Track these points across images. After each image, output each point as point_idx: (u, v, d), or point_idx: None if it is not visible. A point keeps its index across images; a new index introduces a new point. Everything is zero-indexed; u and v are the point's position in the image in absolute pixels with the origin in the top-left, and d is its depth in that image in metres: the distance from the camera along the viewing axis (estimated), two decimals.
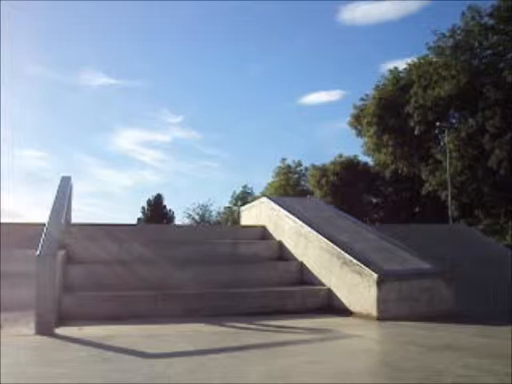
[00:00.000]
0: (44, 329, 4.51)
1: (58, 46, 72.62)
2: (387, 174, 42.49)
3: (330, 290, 6.17)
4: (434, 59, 38.43)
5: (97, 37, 75.54)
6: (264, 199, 9.02)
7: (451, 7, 59.32)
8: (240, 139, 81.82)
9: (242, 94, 79.95)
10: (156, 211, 61.33)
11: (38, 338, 4.40)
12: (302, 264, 6.92)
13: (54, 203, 6.74)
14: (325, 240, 6.47)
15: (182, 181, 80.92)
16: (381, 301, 5.37)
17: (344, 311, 5.78)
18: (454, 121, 39.20)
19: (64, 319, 5.12)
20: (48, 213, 6.32)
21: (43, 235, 5.19)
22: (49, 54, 74.18)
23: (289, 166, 56.43)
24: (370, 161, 46.99)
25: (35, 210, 65.95)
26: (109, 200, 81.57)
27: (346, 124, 45.92)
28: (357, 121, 44.55)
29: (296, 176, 56.82)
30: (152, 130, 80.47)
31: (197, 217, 61.43)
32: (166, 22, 75.26)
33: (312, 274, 6.66)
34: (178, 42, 76.68)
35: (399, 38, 69.90)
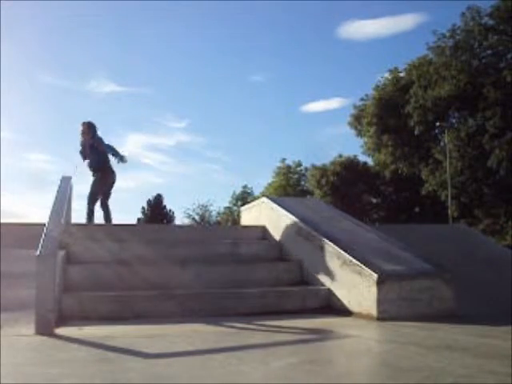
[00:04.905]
0: (44, 329, 4.51)
1: (68, 54, 74.01)
2: (387, 174, 42.54)
3: (329, 290, 6.18)
4: (434, 59, 38.45)
5: (105, 45, 76.79)
6: (264, 199, 9.02)
7: (447, 21, 60.77)
8: (242, 143, 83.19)
9: (244, 101, 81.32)
10: (156, 211, 61.33)
11: (38, 338, 4.40)
12: (301, 264, 6.93)
13: (54, 203, 6.75)
14: (325, 240, 6.47)
15: (185, 183, 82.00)
16: (381, 301, 5.37)
17: (344, 311, 5.79)
18: (453, 121, 39.26)
19: (64, 319, 5.13)
20: (48, 213, 6.32)
21: (43, 235, 5.19)
22: (59, 63, 75.73)
23: (289, 166, 56.41)
24: (369, 161, 47.03)
25: (41, 211, 66.49)
26: (112, 201, 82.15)
27: (346, 124, 45.96)
28: (357, 121, 44.61)
29: (296, 176, 56.79)
30: (156, 135, 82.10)
31: (197, 217, 61.43)
32: (172, 31, 76.36)
33: (312, 274, 6.66)
34: (183, 50, 77.81)
35: (396, 51, 71.32)
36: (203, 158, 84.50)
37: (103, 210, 10.19)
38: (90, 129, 10.30)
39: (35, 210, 70.39)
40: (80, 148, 10.31)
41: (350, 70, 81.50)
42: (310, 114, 79.50)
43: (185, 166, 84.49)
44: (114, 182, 10.33)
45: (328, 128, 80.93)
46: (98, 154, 10.10)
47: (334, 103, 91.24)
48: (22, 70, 79.23)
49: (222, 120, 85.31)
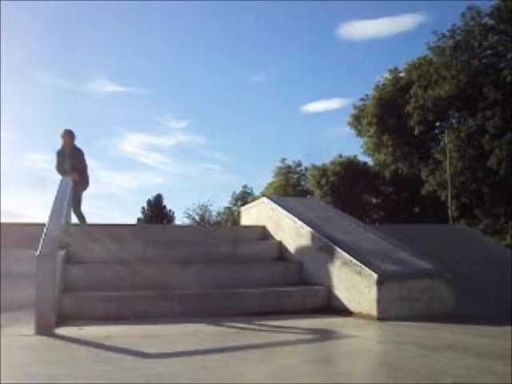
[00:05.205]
0: (44, 329, 4.51)
1: (69, 55, 74.86)
2: (387, 174, 42.54)
3: (329, 290, 6.17)
4: (434, 59, 38.45)
5: (105, 46, 77.34)
6: (264, 199, 9.02)
7: (447, 21, 61.08)
8: (242, 144, 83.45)
9: (244, 101, 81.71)
10: (156, 211, 61.34)
11: (38, 338, 4.41)
12: (301, 264, 6.93)
13: (54, 203, 6.74)
14: (325, 240, 6.47)
15: (185, 183, 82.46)
16: (381, 301, 5.37)
17: (344, 311, 5.79)
18: (453, 121, 39.25)
19: (64, 319, 5.13)
20: (48, 213, 6.32)
21: (43, 235, 5.19)
22: (60, 64, 76.56)
23: (289, 166, 56.40)
24: (369, 161, 47.02)
25: (42, 211, 66.94)
26: (113, 201, 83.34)
27: (346, 124, 45.98)
28: (357, 121, 44.61)
29: (296, 176, 56.79)
30: (157, 135, 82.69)
31: (197, 217, 61.46)
32: (172, 31, 76.85)
33: (312, 274, 6.66)
34: (184, 50, 78.11)
35: (396, 51, 71.79)
36: (203, 158, 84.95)
37: (77, 215, 10.18)
38: (70, 138, 10.30)
39: (35, 209, 70.70)
40: (56, 157, 10.27)
41: (350, 70, 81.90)
42: (310, 115, 79.91)
43: (185, 165, 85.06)
44: (85, 189, 10.43)
45: (328, 128, 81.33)
46: (75, 165, 10.07)
47: (334, 103, 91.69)
48: (23, 70, 79.63)
49: (222, 120, 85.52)
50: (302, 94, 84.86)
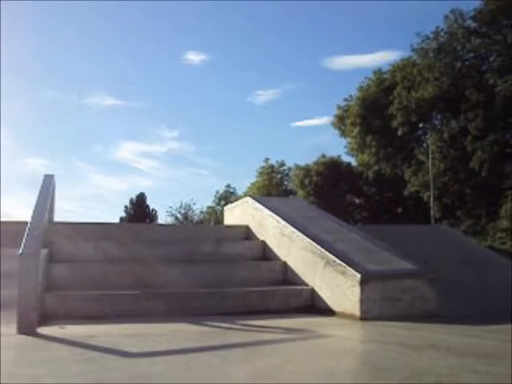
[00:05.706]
0: (26, 328, 4.47)
1: (72, 71, 76.68)
2: (370, 174, 42.65)
3: (313, 290, 6.19)
4: (418, 61, 38.66)
5: (106, 62, 78.98)
6: (248, 199, 9.02)
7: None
8: (229, 150, 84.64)
9: (239, 121, 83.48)
10: (139, 210, 61.11)
11: (20, 337, 4.37)
12: (285, 264, 6.94)
13: (37, 201, 6.69)
14: (308, 240, 6.49)
15: (173, 186, 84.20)
16: (364, 301, 5.40)
17: (327, 311, 5.81)
18: (436, 122, 39.46)
19: (46, 318, 5.09)
20: (31, 211, 6.27)
21: (26, 234, 5.15)
22: (63, 80, 78.19)
23: (272, 166, 56.35)
24: (353, 161, 47.11)
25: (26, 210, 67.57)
26: (99, 203, 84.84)
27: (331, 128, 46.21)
28: (340, 121, 44.66)
29: (279, 176, 56.77)
30: (150, 143, 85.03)
31: (180, 216, 61.38)
32: (167, 49, 78.53)
33: (295, 274, 6.67)
34: (177, 66, 79.29)
35: None
36: (192, 163, 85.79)
37: None
38: None
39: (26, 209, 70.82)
40: None
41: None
42: (301, 128, 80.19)
43: (175, 170, 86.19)
44: None
45: (317, 137, 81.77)
46: None
47: (325, 120, 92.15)
48: (27, 85, 79.74)
49: (212, 129, 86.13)
50: (296, 112, 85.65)
